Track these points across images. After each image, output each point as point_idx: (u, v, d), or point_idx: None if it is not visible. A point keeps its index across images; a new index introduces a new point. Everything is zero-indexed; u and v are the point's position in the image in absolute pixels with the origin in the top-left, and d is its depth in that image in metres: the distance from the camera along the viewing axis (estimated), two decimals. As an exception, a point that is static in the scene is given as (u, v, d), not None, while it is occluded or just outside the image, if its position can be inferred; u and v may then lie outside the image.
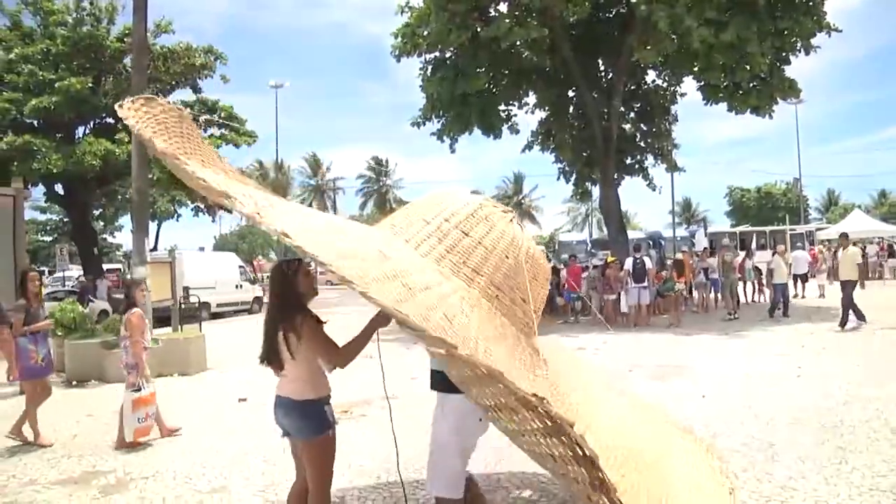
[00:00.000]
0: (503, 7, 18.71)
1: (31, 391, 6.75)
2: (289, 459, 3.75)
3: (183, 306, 20.67)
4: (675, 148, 24.46)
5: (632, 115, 23.61)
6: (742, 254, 21.21)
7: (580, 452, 2.46)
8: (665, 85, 23.03)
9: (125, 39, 21.86)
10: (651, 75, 22.85)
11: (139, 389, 6.39)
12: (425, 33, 18.77)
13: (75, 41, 22.36)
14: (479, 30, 17.82)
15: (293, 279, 3.38)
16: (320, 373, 3.41)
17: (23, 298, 6.83)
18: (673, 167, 24.40)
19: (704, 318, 16.46)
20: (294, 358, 3.31)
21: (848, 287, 13.23)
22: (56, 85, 20.91)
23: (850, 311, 13.12)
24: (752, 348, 11.42)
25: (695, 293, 18.93)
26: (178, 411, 6.75)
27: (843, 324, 13.06)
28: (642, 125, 23.76)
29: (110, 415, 7.81)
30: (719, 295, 18.07)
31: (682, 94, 23.21)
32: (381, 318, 3.33)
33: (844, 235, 14.87)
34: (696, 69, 18.20)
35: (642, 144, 23.68)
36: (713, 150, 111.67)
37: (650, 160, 23.71)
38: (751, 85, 17.85)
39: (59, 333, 10.79)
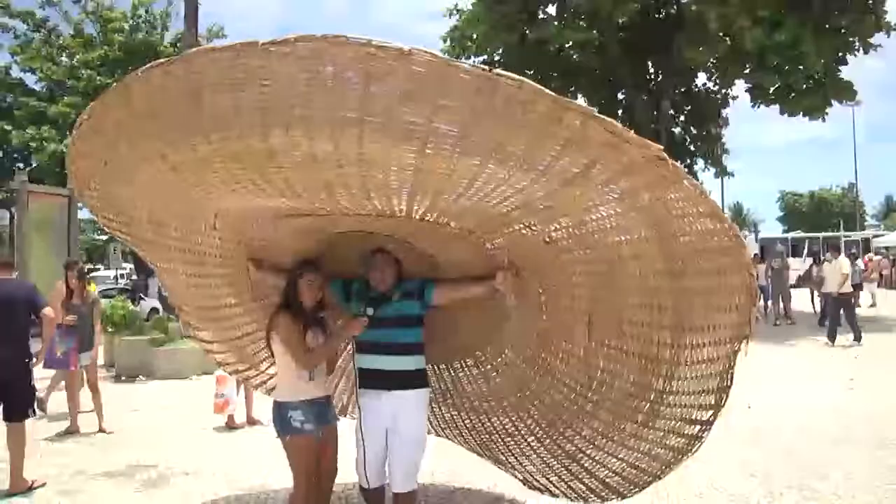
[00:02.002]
0: (551, 9, 18.61)
1: (70, 381, 7.05)
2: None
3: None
4: (726, 152, 23.89)
5: (681, 118, 23.19)
6: (791, 261, 20.64)
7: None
8: (716, 87, 22.54)
9: (178, 45, 22.49)
10: (702, 77, 22.42)
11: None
12: (474, 36, 18.81)
13: (131, 47, 23.12)
14: (527, 31, 17.74)
15: (296, 282, 3.48)
16: (293, 377, 3.40)
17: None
18: (723, 171, 23.84)
19: (753, 327, 15.95)
20: (273, 356, 3.49)
21: (840, 301, 12.66)
22: (112, 89, 21.66)
23: (833, 327, 12.54)
24: (802, 358, 11.06)
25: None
26: (221, 409, 6.88)
27: (857, 338, 12.35)
28: (692, 128, 23.33)
29: (156, 409, 8.04)
30: (769, 303, 17.57)
31: (734, 97, 22.67)
32: (354, 324, 3.48)
33: (835, 248, 14.33)
34: (747, 71, 17.75)
35: (692, 148, 23.24)
36: (765, 154, 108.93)
37: (699, 164, 23.28)
38: (804, 87, 17.31)
39: (110, 330, 11.13)
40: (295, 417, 3.34)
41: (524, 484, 4.34)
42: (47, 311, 5.33)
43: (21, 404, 5.17)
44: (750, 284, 2.49)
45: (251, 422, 7.07)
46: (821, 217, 59.07)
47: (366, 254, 3.79)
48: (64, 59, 24.01)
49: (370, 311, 3.51)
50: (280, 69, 2.01)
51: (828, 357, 11.05)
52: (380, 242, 3.78)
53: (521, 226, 3.07)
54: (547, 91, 1.91)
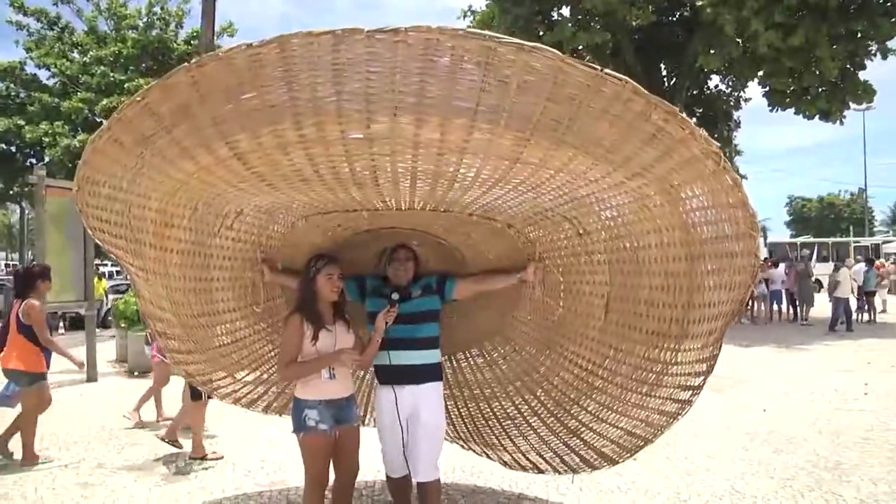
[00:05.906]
0: (566, 11, 18.61)
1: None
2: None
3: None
4: (738, 154, 23.82)
5: (693, 120, 23.08)
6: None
7: None
8: (728, 90, 22.51)
9: (192, 42, 22.63)
10: (714, 80, 22.40)
11: None
12: (487, 38, 18.90)
13: (144, 44, 23.27)
14: (541, 34, 17.78)
15: (313, 277, 3.40)
16: (314, 375, 3.34)
17: None
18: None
19: (763, 331, 15.94)
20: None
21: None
22: (125, 86, 21.75)
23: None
24: (814, 364, 10.98)
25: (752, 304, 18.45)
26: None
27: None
28: (703, 131, 23.27)
29: (169, 405, 8.03)
30: (782, 307, 17.71)
31: (747, 100, 22.65)
32: (381, 318, 3.43)
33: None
34: (761, 74, 17.70)
35: (703, 151, 23.19)
36: (775, 158, 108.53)
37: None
38: (820, 89, 17.23)
39: (123, 325, 11.13)
40: (310, 416, 3.30)
41: (506, 465, 4.44)
42: None
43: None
44: (755, 265, 2.67)
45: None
46: (829, 222, 58.87)
47: (385, 250, 3.82)
48: (76, 55, 24.15)
49: (395, 295, 3.52)
50: (389, 57, 1.98)
51: (840, 363, 10.97)
52: (404, 239, 3.80)
53: (563, 219, 3.18)
54: (644, 90, 2.07)
